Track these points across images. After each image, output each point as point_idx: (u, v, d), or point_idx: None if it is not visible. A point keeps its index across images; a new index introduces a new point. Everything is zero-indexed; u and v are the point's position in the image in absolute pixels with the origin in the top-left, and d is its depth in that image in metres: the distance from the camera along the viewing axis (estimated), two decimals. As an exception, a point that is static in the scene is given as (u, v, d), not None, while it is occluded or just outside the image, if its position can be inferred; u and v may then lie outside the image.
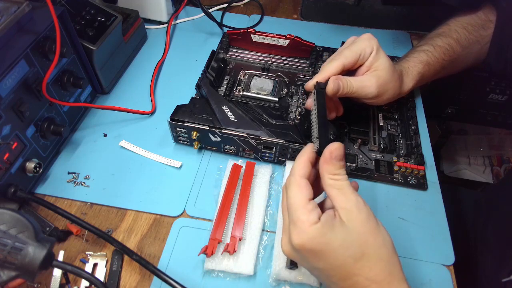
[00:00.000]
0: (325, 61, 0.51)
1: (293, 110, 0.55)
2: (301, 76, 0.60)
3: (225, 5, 0.78)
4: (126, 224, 0.47)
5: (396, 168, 0.52)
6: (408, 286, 0.32)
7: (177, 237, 0.45)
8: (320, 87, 0.45)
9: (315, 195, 0.35)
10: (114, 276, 0.42)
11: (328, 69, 0.47)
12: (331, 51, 0.64)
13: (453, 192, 0.76)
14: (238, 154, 0.52)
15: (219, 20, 0.73)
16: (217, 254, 0.42)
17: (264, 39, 0.61)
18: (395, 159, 0.53)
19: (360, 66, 0.50)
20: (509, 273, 0.52)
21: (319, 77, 0.47)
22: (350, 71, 0.50)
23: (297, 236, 0.31)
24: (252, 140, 0.48)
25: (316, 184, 0.36)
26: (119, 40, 0.60)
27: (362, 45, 0.49)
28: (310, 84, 0.48)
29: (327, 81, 0.46)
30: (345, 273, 0.31)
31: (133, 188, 0.49)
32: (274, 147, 0.49)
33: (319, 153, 0.35)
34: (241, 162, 0.51)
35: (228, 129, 0.48)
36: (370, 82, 0.49)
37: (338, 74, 0.47)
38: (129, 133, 0.55)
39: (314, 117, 0.41)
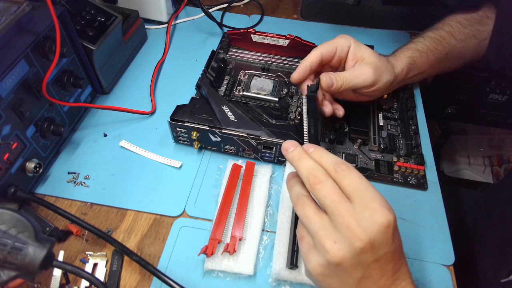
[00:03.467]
0: None
1: (293, 110, 0.55)
2: (301, 76, 0.60)
3: (225, 5, 0.78)
4: (126, 224, 0.47)
5: (396, 168, 0.52)
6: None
7: (177, 237, 0.45)
8: (311, 90, 0.46)
9: None
10: (114, 276, 0.42)
11: (307, 60, 0.48)
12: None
13: (453, 192, 0.76)
14: (238, 154, 0.52)
15: (219, 20, 0.73)
16: (217, 254, 0.42)
17: (264, 39, 0.61)
18: (395, 159, 0.53)
19: (345, 62, 0.51)
20: (508, 274, 0.52)
21: (300, 69, 0.48)
22: (334, 69, 0.52)
23: (382, 215, 0.30)
24: (252, 140, 0.48)
25: None
26: (119, 40, 0.61)
27: (338, 40, 0.50)
28: (294, 76, 0.49)
29: (318, 83, 0.46)
30: (399, 255, 0.33)
31: (133, 188, 0.49)
32: (274, 147, 0.49)
33: None
34: (241, 162, 0.51)
35: (228, 129, 0.48)
36: (363, 69, 0.49)
37: (318, 65, 0.49)
38: (129, 133, 0.55)
39: (305, 122, 0.43)
